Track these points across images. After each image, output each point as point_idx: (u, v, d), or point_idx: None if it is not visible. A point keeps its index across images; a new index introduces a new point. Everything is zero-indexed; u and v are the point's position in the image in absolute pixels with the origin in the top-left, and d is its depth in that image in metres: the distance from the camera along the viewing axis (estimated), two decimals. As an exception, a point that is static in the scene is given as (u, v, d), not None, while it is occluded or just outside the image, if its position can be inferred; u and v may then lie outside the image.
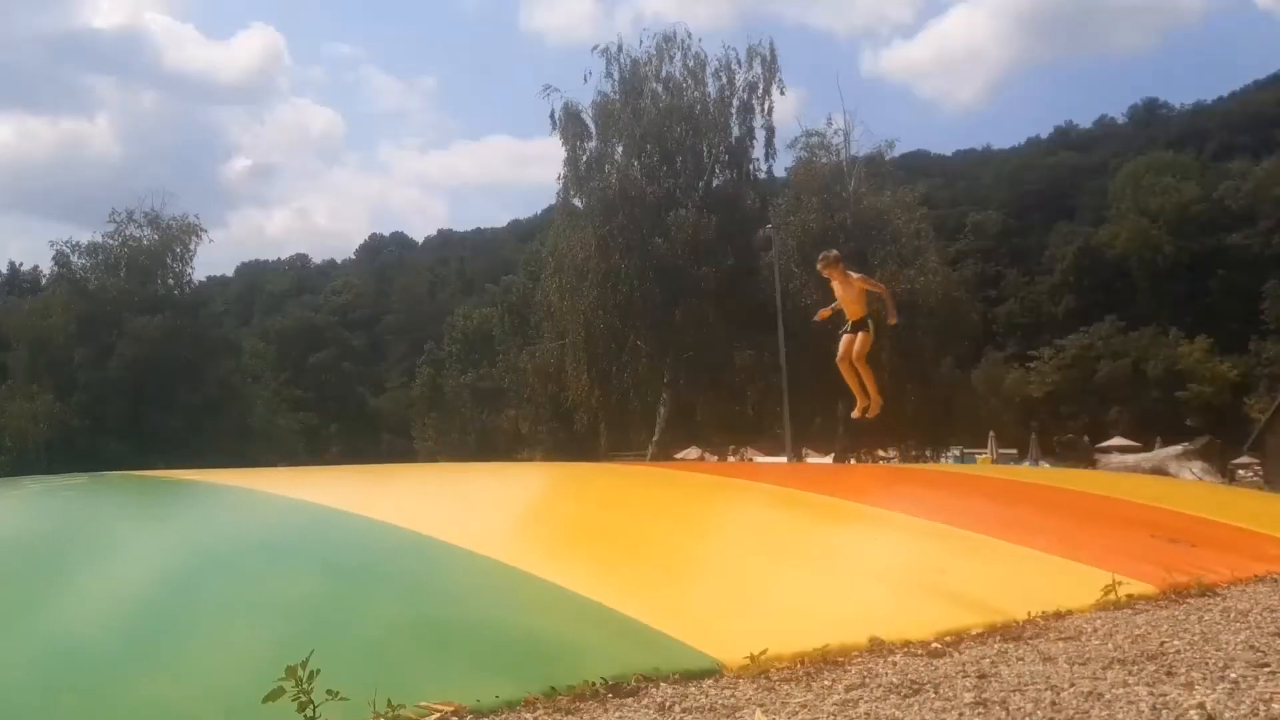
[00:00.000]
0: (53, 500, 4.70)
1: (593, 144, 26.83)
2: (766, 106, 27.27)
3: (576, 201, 27.13)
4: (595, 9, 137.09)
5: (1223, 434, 34.12)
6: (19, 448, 34.64)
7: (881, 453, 30.61)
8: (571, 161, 26.83)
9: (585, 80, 27.63)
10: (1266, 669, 2.42)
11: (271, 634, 2.57)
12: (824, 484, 6.47)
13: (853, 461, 27.84)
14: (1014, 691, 2.26)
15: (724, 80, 27.12)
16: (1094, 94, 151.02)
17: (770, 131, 27.64)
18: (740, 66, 27.09)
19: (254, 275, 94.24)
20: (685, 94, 26.80)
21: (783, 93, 27.69)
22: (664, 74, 26.94)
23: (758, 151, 27.67)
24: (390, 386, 72.40)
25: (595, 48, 27.03)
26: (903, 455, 30.74)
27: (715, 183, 27.11)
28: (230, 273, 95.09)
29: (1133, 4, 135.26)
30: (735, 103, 27.28)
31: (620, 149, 26.59)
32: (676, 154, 26.63)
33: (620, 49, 26.89)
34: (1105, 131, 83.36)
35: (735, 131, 27.31)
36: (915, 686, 2.34)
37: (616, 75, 26.89)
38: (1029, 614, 3.21)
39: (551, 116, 26.78)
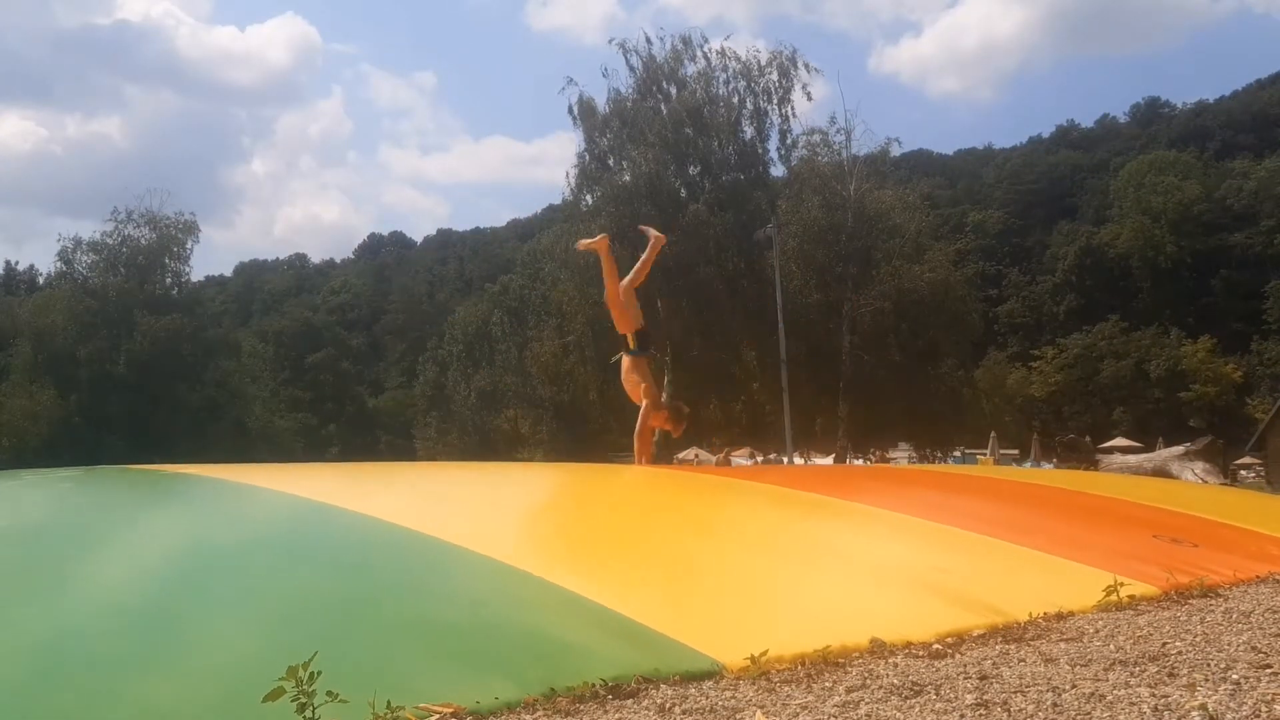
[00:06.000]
0: (47, 493, 4.69)
1: (606, 139, 26.96)
2: (784, 112, 27.40)
3: (588, 197, 27.27)
4: (607, 10, 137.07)
5: (1225, 434, 34.15)
6: (18, 445, 34.68)
7: (877, 453, 30.61)
8: (583, 156, 26.96)
9: (605, 75, 27.70)
10: (1269, 670, 2.41)
11: (270, 632, 2.56)
12: (824, 484, 6.46)
13: (860, 463, 27.86)
14: (1015, 693, 2.25)
15: (740, 84, 27.27)
16: (1095, 93, 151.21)
17: (784, 135, 27.81)
18: (759, 71, 27.23)
19: (252, 275, 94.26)
20: (698, 95, 26.93)
21: (810, 98, 27.88)
22: (680, 74, 27.09)
23: (770, 154, 27.85)
24: (389, 386, 72.37)
25: (612, 40, 27.49)
26: (915, 456, 30.70)
27: (724, 179, 27.22)
28: (229, 272, 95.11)
29: (1134, 3, 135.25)
30: (750, 106, 27.41)
31: (633, 146, 26.71)
32: (689, 153, 26.74)
33: (635, 47, 27.10)
34: (1107, 130, 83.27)
35: (748, 134, 27.45)
36: (916, 688, 2.33)
37: (632, 72, 27.07)
38: (1030, 615, 3.21)
39: (570, 111, 26.94)
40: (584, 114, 26.89)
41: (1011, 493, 6.37)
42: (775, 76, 27.13)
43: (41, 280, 50.23)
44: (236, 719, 2.08)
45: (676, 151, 26.31)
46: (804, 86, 27.29)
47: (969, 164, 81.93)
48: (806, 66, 27.35)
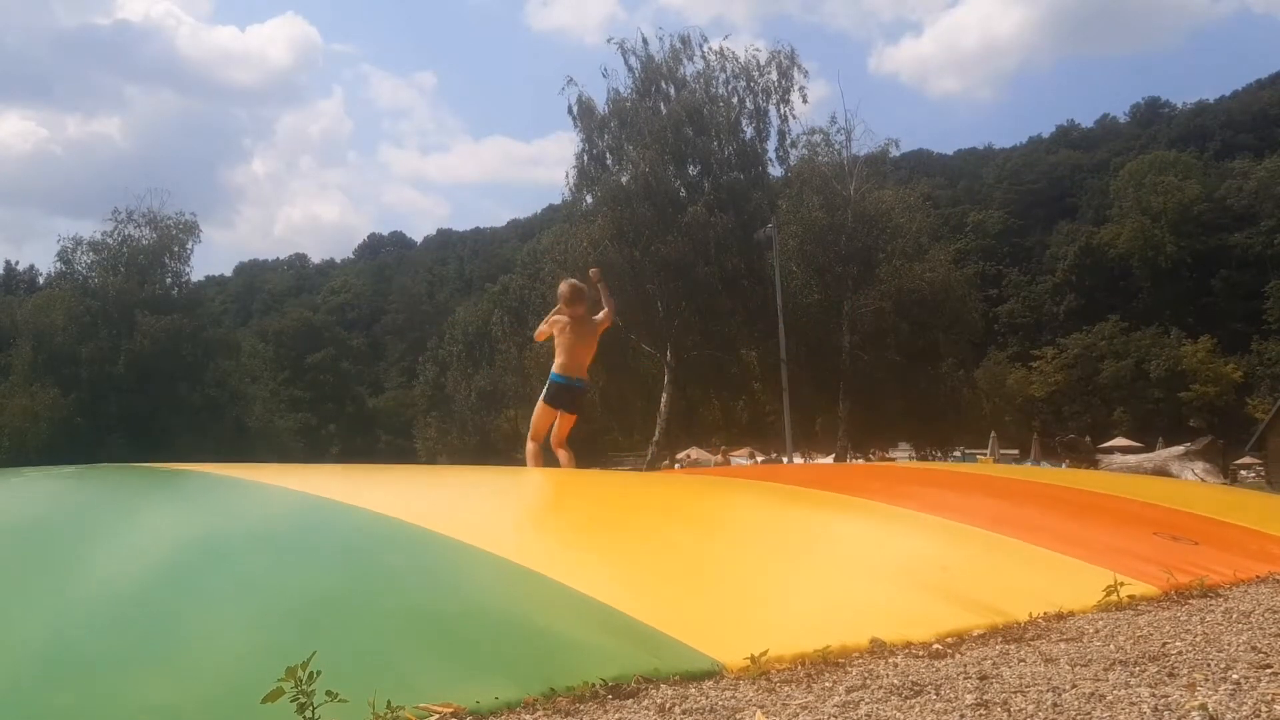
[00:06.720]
0: (44, 489, 4.67)
1: (606, 139, 26.92)
2: (782, 112, 27.36)
3: (587, 197, 27.24)
4: (607, 10, 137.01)
5: (1225, 434, 34.14)
6: (18, 445, 34.68)
7: (877, 453, 30.65)
8: (582, 156, 26.93)
9: (604, 75, 27.55)
10: (1269, 670, 2.41)
11: (269, 630, 2.55)
12: (825, 482, 6.46)
13: (860, 463, 27.85)
14: (1015, 693, 2.25)
15: (740, 84, 27.23)
16: (1095, 93, 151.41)
17: (783, 136, 27.78)
18: (758, 71, 27.19)
19: (252, 275, 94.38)
20: (698, 95, 26.90)
21: (805, 100, 27.78)
22: (679, 74, 27.05)
23: (770, 154, 27.80)
24: (389, 386, 72.42)
25: (611, 40, 27.38)
26: (915, 455, 30.69)
27: (724, 179, 27.20)
28: (229, 272, 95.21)
29: (1134, 3, 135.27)
30: (750, 106, 27.37)
31: (632, 146, 26.66)
32: (688, 153, 26.70)
33: (633, 48, 27.07)
34: (1107, 130, 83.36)
35: (748, 134, 27.40)
36: (916, 688, 2.33)
37: (631, 73, 27.03)
38: (1030, 615, 3.21)
39: (569, 111, 26.91)
40: (583, 114, 26.86)
41: (1012, 491, 6.36)
42: (775, 76, 27.12)
43: (41, 280, 50.29)
44: (236, 718, 2.08)
45: (676, 151, 26.26)
46: (800, 89, 27.29)
47: (969, 164, 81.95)
48: (801, 68, 27.37)
